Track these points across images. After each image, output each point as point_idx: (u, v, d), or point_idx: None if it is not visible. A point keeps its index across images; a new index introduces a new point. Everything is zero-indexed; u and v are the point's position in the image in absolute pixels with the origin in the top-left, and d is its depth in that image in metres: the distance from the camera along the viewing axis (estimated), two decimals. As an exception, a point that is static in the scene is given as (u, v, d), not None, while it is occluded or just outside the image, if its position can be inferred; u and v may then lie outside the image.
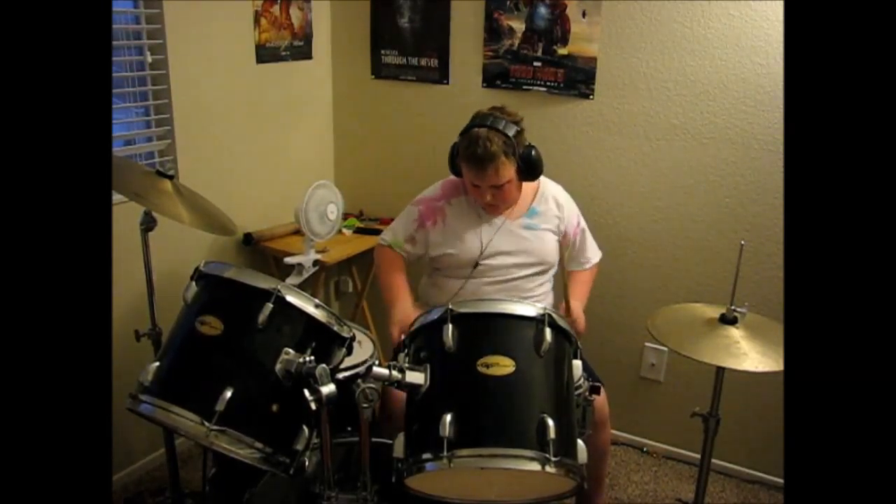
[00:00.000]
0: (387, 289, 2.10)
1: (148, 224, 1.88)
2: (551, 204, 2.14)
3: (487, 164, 1.91)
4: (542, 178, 2.13)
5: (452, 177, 2.16)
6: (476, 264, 2.06)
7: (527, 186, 2.11)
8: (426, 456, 1.33)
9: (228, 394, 1.35)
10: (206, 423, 1.34)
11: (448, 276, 2.12)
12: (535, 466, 1.30)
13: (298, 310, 1.44)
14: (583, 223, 2.22)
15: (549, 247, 2.11)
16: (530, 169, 2.00)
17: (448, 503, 1.47)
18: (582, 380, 1.54)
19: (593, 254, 2.25)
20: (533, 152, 1.99)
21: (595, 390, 1.54)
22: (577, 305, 2.05)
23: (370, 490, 1.47)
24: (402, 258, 2.15)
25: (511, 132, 1.93)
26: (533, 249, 2.08)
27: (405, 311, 1.96)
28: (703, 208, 2.44)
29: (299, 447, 1.45)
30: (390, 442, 1.42)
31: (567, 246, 2.17)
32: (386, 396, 2.01)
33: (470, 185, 2.01)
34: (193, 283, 1.52)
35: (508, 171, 1.94)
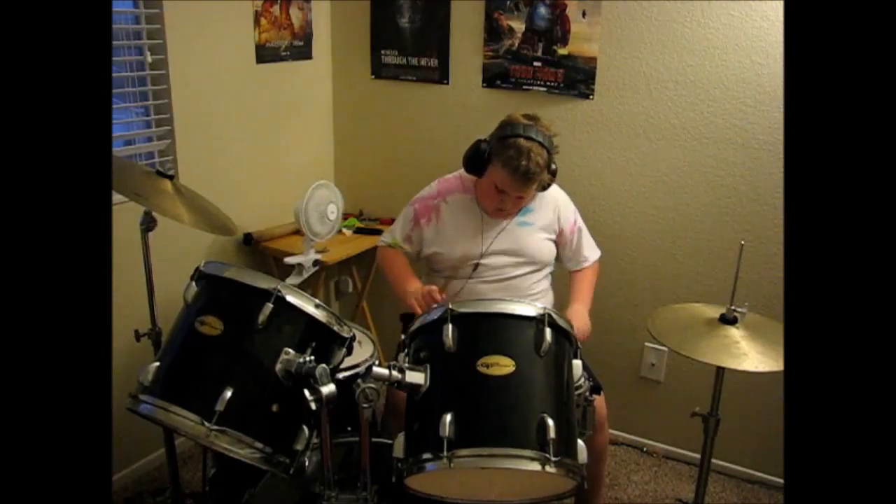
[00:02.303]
0: (394, 277, 2.10)
1: (148, 224, 1.88)
2: (547, 204, 2.14)
3: (532, 180, 1.91)
4: None
5: (449, 175, 2.17)
6: (476, 266, 2.06)
7: None
8: (426, 456, 1.33)
9: (228, 394, 1.35)
10: (206, 423, 1.33)
11: (445, 276, 2.12)
12: (535, 466, 1.30)
13: (298, 310, 1.44)
14: (580, 222, 2.21)
15: (541, 245, 2.11)
16: (550, 183, 2.04)
17: (448, 503, 1.47)
18: (582, 380, 1.54)
19: (591, 252, 2.24)
20: (556, 167, 2.02)
21: (596, 390, 1.54)
22: (579, 308, 2.05)
23: (370, 490, 1.47)
24: (402, 254, 2.16)
25: (549, 148, 1.94)
26: (526, 247, 2.08)
27: (418, 285, 1.97)
28: (703, 208, 2.44)
29: (299, 447, 1.45)
30: (390, 442, 1.42)
31: (564, 245, 2.17)
32: (392, 394, 2.01)
33: (491, 190, 1.98)
34: (193, 283, 1.52)
35: (539, 185, 1.98)
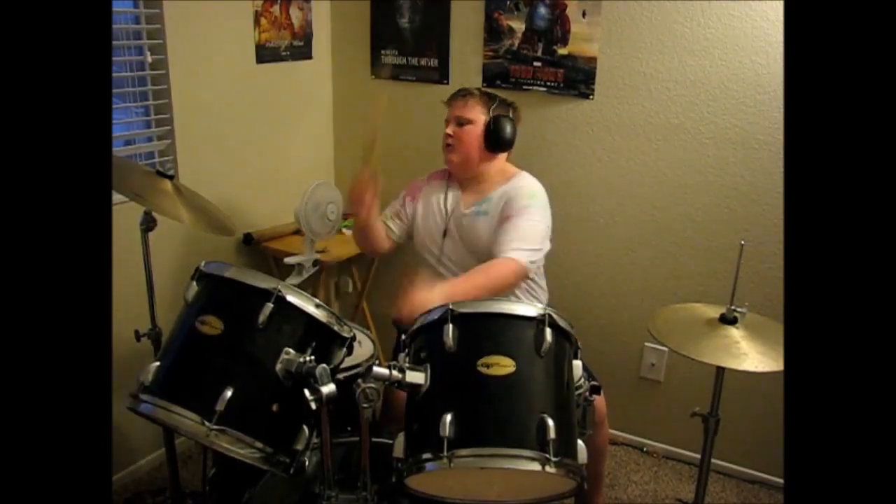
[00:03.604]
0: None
1: (148, 224, 1.88)
2: (504, 192, 2.05)
3: (459, 96, 2.12)
4: (522, 172, 2.13)
5: (443, 168, 2.23)
6: (444, 232, 2.14)
7: (497, 174, 2.11)
8: (426, 456, 1.33)
9: (228, 393, 1.35)
10: (207, 423, 1.33)
11: (422, 264, 2.21)
12: (535, 466, 1.30)
13: (299, 310, 1.44)
14: (526, 214, 1.97)
15: (491, 235, 2.02)
16: (496, 133, 2.05)
17: (448, 503, 1.47)
18: (582, 380, 1.54)
19: (510, 246, 1.92)
20: (507, 125, 2.06)
21: (595, 390, 1.54)
22: (441, 289, 1.76)
23: (370, 490, 1.47)
24: (384, 228, 2.26)
25: (491, 96, 2.12)
26: (480, 239, 2.05)
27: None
28: (703, 208, 2.44)
29: (299, 447, 1.44)
30: (390, 442, 1.42)
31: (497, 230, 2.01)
32: (389, 395, 2.02)
33: (445, 127, 2.12)
34: (193, 283, 1.52)
35: (476, 112, 2.09)
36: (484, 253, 2.00)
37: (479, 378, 1.36)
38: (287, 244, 2.73)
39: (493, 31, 2.61)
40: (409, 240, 2.26)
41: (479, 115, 2.08)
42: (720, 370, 1.73)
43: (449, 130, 2.10)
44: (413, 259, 2.29)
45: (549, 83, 2.56)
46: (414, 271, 2.22)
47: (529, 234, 1.95)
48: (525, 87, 2.60)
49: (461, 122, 2.08)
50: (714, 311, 1.75)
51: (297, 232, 2.74)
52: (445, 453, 1.29)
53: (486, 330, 1.43)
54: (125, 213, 1.96)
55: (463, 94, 2.12)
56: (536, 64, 2.57)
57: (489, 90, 2.19)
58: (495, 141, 2.06)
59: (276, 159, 2.84)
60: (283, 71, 2.76)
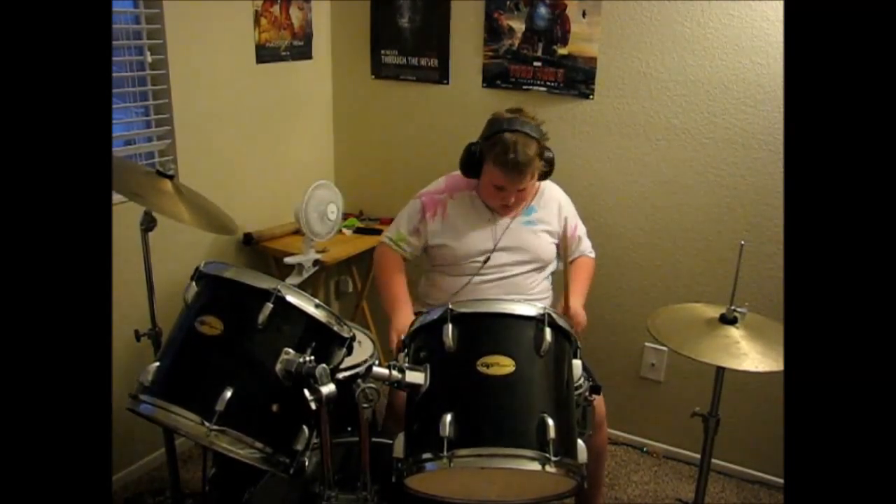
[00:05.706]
0: (386, 294, 2.08)
1: (148, 224, 1.88)
2: (553, 207, 2.15)
3: (525, 171, 1.93)
4: None
5: (457, 172, 2.17)
6: (487, 260, 2.07)
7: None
8: (426, 456, 1.33)
9: (228, 394, 1.35)
10: (206, 423, 1.33)
11: (448, 273, 2.12)
12: (535, 466, 1.30)
13: (298, 310, 1.44)
14: (581, 228, 2.23)
15: (545, 246, 2.12)
16: (549, 171, 2.06)
17: (448, 503, 1.47)
18: (582, 380, 1.54)
19: (587, 249, 2.27)
20: (552, 155, 2.04)
21: (596, 390, 1.54)
22: (577, 302, 2.03)
23: (370, 490, 1.47)
24: (401, 259, 2.15)
25: (538, 136, 1.96)
26: (531, 247, 2.09)
27: (406, 318, 1.95)
28: (703, 208, 2.44)
29: (299, 447, 1.45)
30: (390, 442, 1.42)
31: (564, 246, 2.17)
32: (392, 396, 2.01)
33: (490, 188, 2.00)
34: (193, 283, 1.52)
35: (536, 174, 1.99)
36: (534, 258, 2.10)
37: (479, 378, 1.37)
38: (287, 244, 2.73)
39: (493, 31, 2.61)
40: (423, 252, 2.18)
41: (537, 172, 1.99)
42: (720, 370, 1.73)
43: (511, 202, 2.01)
44: (416, 268, 2.23)
45: (549, 83, 2.56)
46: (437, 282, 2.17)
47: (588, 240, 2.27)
48: (525, 87, 2.60)
49: (521, 189, 2.00)
50: (714, 311, 1.75)
51: (297, 232, 2.74)
52: (445, 453, 1.30)
53: (485, 330, 1.44)
54: (125, 213, 1.96)
55: (524, 168, 1.91)
56: (536, 64, 2.57)
57: (519, 116, 1.99)
58: (547, 175, 2.09)
59: (276, 159, 2.84)
60: (283, 71, 2.76)
